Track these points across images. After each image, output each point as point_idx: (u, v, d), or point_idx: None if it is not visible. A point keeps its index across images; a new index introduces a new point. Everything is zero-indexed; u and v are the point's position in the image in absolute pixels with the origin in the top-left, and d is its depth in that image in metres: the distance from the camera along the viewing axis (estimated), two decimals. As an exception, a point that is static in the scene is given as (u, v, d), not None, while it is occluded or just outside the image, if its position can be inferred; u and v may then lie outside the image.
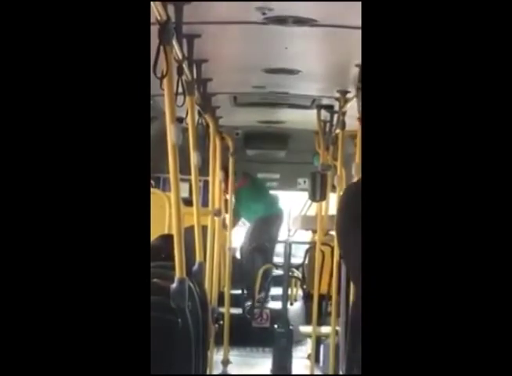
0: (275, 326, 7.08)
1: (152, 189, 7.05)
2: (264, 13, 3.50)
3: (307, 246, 7.90)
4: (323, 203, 6.42)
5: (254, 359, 7.60)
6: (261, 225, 8.40)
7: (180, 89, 3.47)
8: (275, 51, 4.38)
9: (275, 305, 7.83)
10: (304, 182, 8.20)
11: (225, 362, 6.97)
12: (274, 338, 6.97)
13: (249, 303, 8.12)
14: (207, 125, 5.34)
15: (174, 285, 3.14)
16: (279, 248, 8.29)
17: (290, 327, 7.01)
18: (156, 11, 2.79)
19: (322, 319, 6.91)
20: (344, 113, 5.48)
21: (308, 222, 7.64)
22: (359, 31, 2.09)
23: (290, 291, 8.02)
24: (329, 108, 6.08)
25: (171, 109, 3.09)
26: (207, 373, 4.67)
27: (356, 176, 4.74)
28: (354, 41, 3.50)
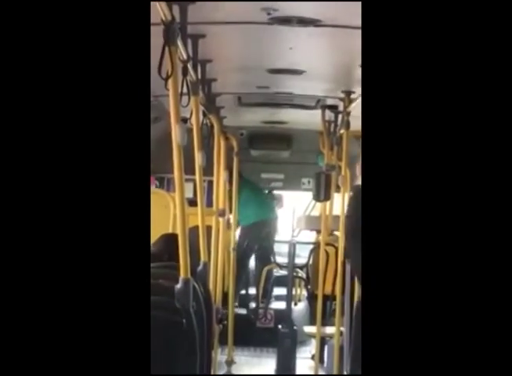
0: (280, 326, 7.07)
1: (156, 190, 7.06)
2: (268, 13, 3.50)
3: (311, 246, 7.90)
4: (327, 203, 6.42)
5: (258, 360, 7.59)
6: (247, 233, 8.29)
7: (185, 90, 3.48)
8: (280, 51, 4.38)
9: (280, 305, 7.83)
10: (309, 182, 8.20)
11: (229, 362, 6.97)
12: (278, 338, 6.97)
13: (253, 304, 8.13)
14: (212, 126, 5.34)
15: (178, 285, 3.14)
16: (284, 248, 8.29)
17: (294, 328, 7.00)
18: (161, 11, 2.79)
19: (327, 320, 6.90)
20: (348, 114, 5.48)
21: (312, 223, 7.64)
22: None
23: (294, 292, 8.02)
24: (334, 108, 6.08)
25: (176, 109, 3.09)
26: (212, 373, 4.67)
27: (361, 176, 4.74)
28: (358, 42, 3.49)
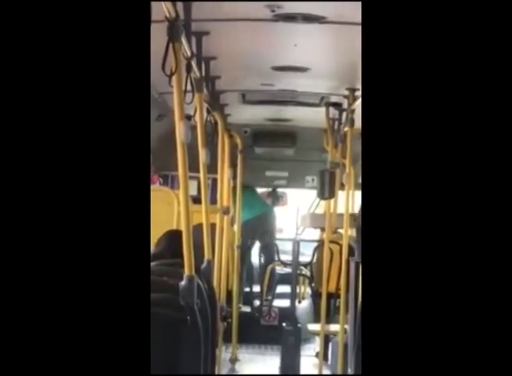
0: (284, 324, 7.07)
1: (160, 187, 7.06)
2: (273, 10, 3.49)
3: (315, 244, 7.90)
4: (332, 201, 6.41)
5: (262, 357, 7.59)
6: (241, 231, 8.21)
7: (189, 87, 3.47)
8: (284, 48, 4.37)
9: (284, 303, 7.83)
10: (313, 180, 8.19)
11: (234, 359, 6.98)
12: (282, 335, 6.97)
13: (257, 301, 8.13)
14: (216, 123, 5.34)
15: (183, 283, 3.14)
16: (288, 246, 8.29)
17: (299, 325, 7.00)
18: (165, 8, 2.79)
19: (331, 318, 6.90)
20: (352, 111, 5.47)
21: (316, 220, 7.63)
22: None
23: (298, 289, 8.01)
24: (338, 106, 6.07)
25: (180, 106, 3.09)
26: (216, 370, 4.67)
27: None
28: (363, 39, 3.49)
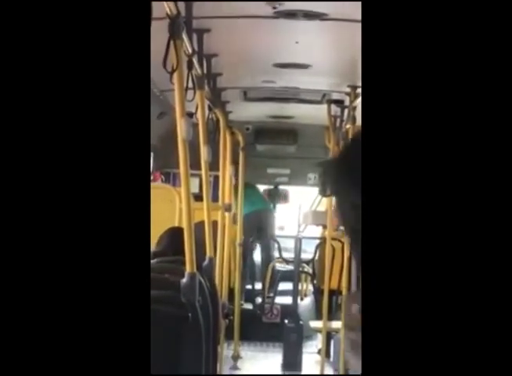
0: (286, 321, 7.08)
1: (162, 184, 7.06)
2: (274, 7, 3.49)
3: (317, 241, 7.90)
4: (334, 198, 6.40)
5: (264, 354, 7.60)
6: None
7: (190, 84, 3.47)
8: (286, 45, 4.37)
9: (286, 300, 7.84)
10: (315, 177, 8.19)
11: (235, 356, 6.98)
12: (284, 333, 6.97)
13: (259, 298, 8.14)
14: (217, 120, 5.34)
15: (184, 280, 3.14)
16: (290, 244, 8.29)
17: (300, 322, 7.01)
18: (166, 5, 2.79)
19: (333, 315, 6.91)
20: (354, 108, 5.47)
21: (318, 218, 7.63)
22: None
23: (300, 287, 8.02)
24: (340, 103, 6.07)
25: (181, 103, 3.09)
26: (218, 367, 4.68)
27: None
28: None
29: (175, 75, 2.98)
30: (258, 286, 8.44)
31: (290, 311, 7.19)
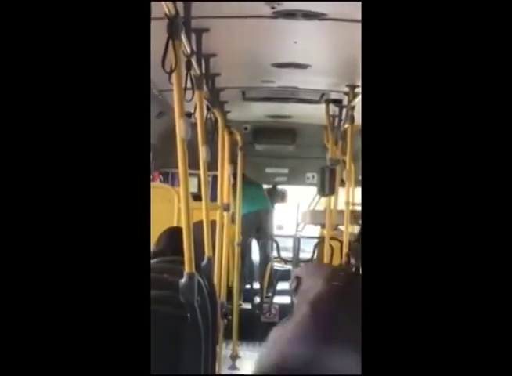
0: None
1: (160, 184, 7.06)
2: (273, 7, 3.49)
3: (316, 241, 7.90)
4: (332, 197, 6.41)
5: (262, 354, 7.58)
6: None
7: (189, 84, 3.47)
8: (284, 45, 4.37)
9: (284, 299, 7.83)
10: (313, 176, 8.19)
11: (234, 356, 6.98)
12: (283, 332, 6.95)
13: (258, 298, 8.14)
14: (216, 120, 5.34)
15: (183, 280, 3.14)
16: (288, 243, 8.29)
17: (299, 322, 6.99)
18: (164, 5, 2.79)
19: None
20: (352, 108, 5.47)
21: (316, 217, 7.63)
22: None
23: (298, 286, 8.00)
24: (338, 102, 6.08)
25: (180, 103, 3.09)
26: (216, 367, 4.67)
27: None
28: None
29: (174, 75, 2.97)
30: (257, 286, 8.44)
31: (289, 310, 7.18)
